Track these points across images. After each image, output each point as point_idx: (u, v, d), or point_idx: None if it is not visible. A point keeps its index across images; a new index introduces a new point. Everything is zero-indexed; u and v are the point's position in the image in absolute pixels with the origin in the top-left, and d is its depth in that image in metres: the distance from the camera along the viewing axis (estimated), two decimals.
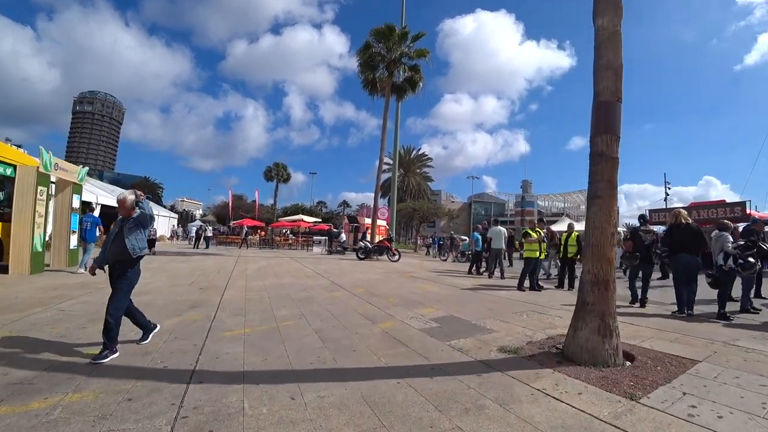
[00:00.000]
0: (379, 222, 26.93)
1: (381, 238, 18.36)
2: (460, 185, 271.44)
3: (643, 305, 6.97)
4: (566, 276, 9.61)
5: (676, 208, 8.57)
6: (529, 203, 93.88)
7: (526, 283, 9.14)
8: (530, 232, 9.69)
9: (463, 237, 26.01)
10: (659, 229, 22.13)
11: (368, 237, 20.39)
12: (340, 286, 8.96)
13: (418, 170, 59.73)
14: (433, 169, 63.58)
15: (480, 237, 13.35)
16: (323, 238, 27.70)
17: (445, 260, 20.65)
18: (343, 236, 26.30)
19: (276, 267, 13.15)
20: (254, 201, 70.35)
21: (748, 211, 16.43)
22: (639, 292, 7.13)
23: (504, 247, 11.93)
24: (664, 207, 20.63)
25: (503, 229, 12.10)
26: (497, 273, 11.70)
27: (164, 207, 65.66)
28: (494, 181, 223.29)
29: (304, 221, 35.37)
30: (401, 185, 54.94)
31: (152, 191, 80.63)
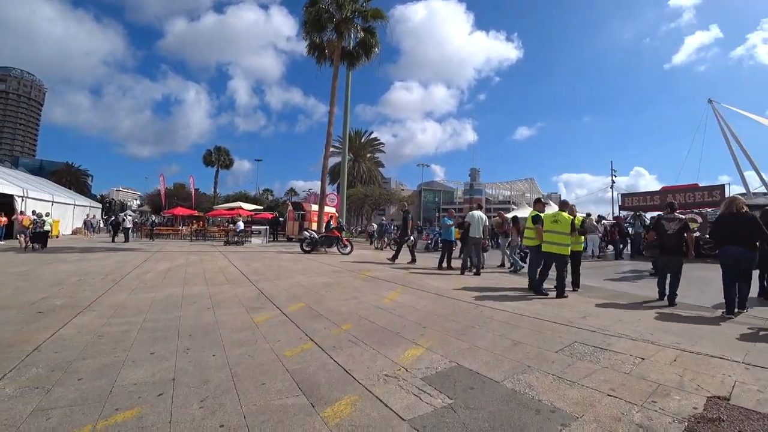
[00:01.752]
0: (328, 209, 24.10)
1: (330, 227, 15.54)
2: (410, 173, 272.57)
3: (671, 303, 5.91)
4: (565, 274, 6.79)
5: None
6: (477, 191, 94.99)
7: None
8: (546, 216, 7.20)
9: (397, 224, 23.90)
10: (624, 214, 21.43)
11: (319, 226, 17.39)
12: (269, 298, 6.08)
13: (369, 155, 56.90)
14: (384, 154, 61.10)
15: (450, 223, 10.95)
16: (264, 228, 24.26)
17: (380, 248, 18.46)
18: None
19: (193, 267, 9.92)
20: (196, 189, 64.42)
21: (727, 195, 15.41)
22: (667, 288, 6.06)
23: (481, 236, 9.63)
24: (638, 191, 19.71)
25: (482, 215, 9.75)
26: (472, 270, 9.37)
27: (93, 197, 58.03)
28: (443, 169, 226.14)
29: (243, 209, 31.44)
30: (351, 171, 51.88)
31: (76, 179, 71.34)
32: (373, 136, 57.54)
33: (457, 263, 10.30)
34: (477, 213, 9.74)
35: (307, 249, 14.82)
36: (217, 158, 56.42)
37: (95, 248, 15.31)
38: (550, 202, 26.87)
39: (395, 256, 12.08)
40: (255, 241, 22.88)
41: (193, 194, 49.68)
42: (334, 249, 14.81)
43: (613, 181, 47.36)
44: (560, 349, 3.65)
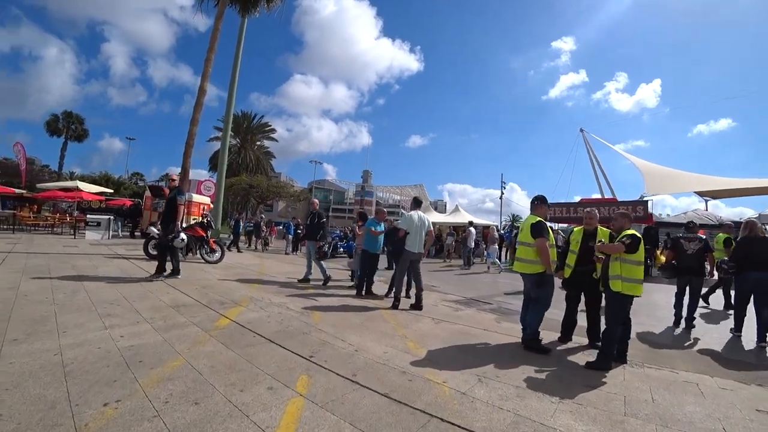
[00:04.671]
0: (201, 199, 18.81)
1: (193, 223, 10.81)
2: (302, 171, 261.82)
3: (689, 327, 5.75)
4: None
5: (747, 219, 6.07)
6: (368, 193, 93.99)
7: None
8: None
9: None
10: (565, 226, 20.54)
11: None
12: None
13: (258, 143, 50.62)
14: (276, 145, 55.16)
15: (381, 229, 7.48)
16: (105, 218, 17.81)
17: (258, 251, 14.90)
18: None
19: None
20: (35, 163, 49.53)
21: (649, 212, 15.00)
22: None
23: (422, 250, 6.39)
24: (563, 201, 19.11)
25: (425, 218, 6.49)
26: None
27: None
28: (335, 169, 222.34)
29: (84, 192, 23.42)
30: (236, 158, 45.32)
31: None
32: (264, 121, 51.37)
33: (380, 287, 6.97)
34: (417, 215, 6.45)
35: (154, 253, 9.93)
36: (66, 126, 44.36)
37: None
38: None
39: (368, 288, 7.34)
40: (90, 235, 16.49)
41: (23, 169, 36.53)
42: (198, 255, 10.21)
43: (503, 193, 49.30)
44: None
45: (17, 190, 21.81)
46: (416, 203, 6.75)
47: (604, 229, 4.56)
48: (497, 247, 15.06)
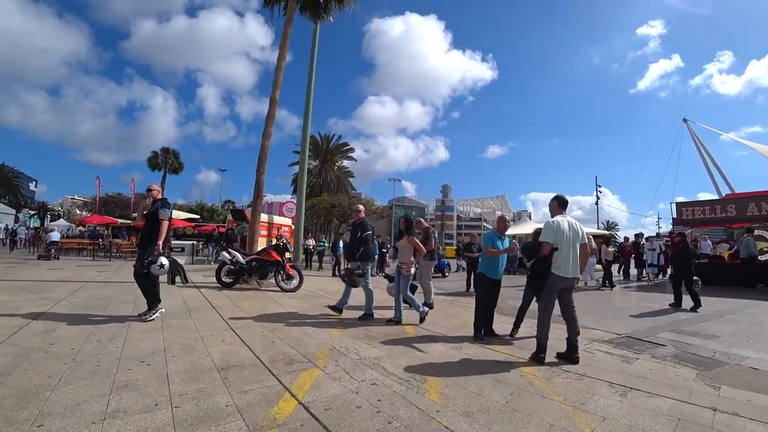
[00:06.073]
0: (282, 220, 18.29)
1: (267, 246, 9.67)
2: (381, 189, 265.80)
3: None
4: None
5: None
6: (449, 208, 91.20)
7: None
8: None
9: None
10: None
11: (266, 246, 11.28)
12: None
13: (338, 164, 51.10)
14: (355, 163, 55.40)
15: (505, 243, 5.40)
16: (189, 243, 17.99)
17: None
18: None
19: None
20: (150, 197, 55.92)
21: None
22: None
23: (578, 274, 4.18)
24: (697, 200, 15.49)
25: (579, 227, 4.28)
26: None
27: (32, 204, 49.47)
28: (414, 186, 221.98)
29: (174, 218, 24.60)
30: (317, 179, 45.95)
31: (6, 182, 61.31)
32: (343, 141, 51.87)
33: (504, 322, 4.91)
34: (567, 221, 4.26)
35: (227, 281, 8.86)
36: (164, 161, 49.36)
37: None
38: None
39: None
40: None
41: (133, 202, 41.64)
42: (272, 280, 8.94)
43: (598, 197, 43.71)
44: None
45: (121, 220, 23.31)
46: (561, 204, 4.50)
47: None
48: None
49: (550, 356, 4.06)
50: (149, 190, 5.70)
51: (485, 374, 3.58)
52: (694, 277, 8.05)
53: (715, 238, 17.49)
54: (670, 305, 8.11)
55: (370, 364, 3.74)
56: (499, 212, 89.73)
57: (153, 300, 5.45)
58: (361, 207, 6.87)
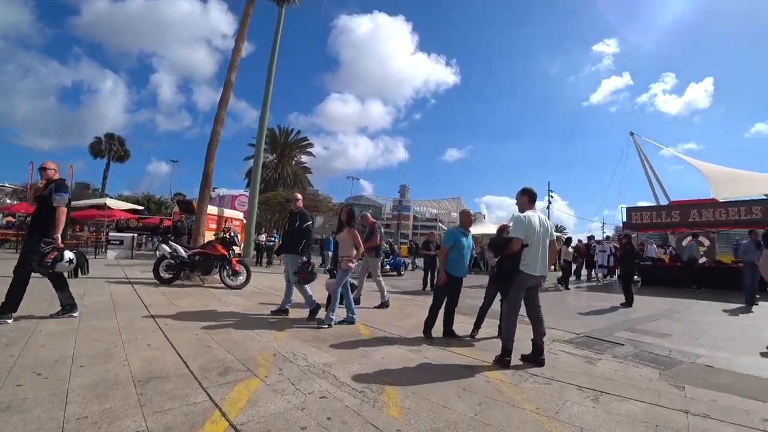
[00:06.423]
0: (232, 214, 17.35)
1: (214, 239, 8.87)
2: (339, 187, 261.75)
3: None
4: None
5: None
6: (405, 208, 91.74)
7: None
8: None
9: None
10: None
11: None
12: None
13: (296, 158, 49.78)
14: (314, 160, 54.22)
15: (468, 240, 5.15)
16: (128, 236, 16.53)
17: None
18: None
19: None
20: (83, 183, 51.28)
21: None
22: None
23: (546, 272, 3.98)
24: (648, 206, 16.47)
25: (548, 223, 4.08)
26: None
27: None
28: (372, 185, 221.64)
29: (115, 209, 22.40)
30: (273, 174, 44.49)
31: None
32: (302, 136, 50.56)
33: (463, 322, 4.69)
34: (538, 217, 4.03)
35: (166, 276, 8.02)
36: (108, 148, 46.09)
37: None
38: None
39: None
40: (110, 254, 15.22)
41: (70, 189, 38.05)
42: (217, 276, 8.21)
43: (550, 202, 45.54)
44: None
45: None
46: (531, 198, 4.21)
47: None
48: None
49: (514, 358, 3.82)
50: (42, 169, 4.62)
51: (449, 381, 3.24)
52: (635, 277, 8.50)
53: (656, 242, 18.62)
54: (621, 304, 8.30)
55: (320, 372, 3.28)
56: (455, 213, 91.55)
57: (66, 301, 4.70)
58: (299, 195, 6.31)
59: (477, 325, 5.07)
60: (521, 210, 4.14)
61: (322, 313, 5.39)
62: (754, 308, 8.03)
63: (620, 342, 5.02)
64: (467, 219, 5.23)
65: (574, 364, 3.95)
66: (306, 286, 5.55)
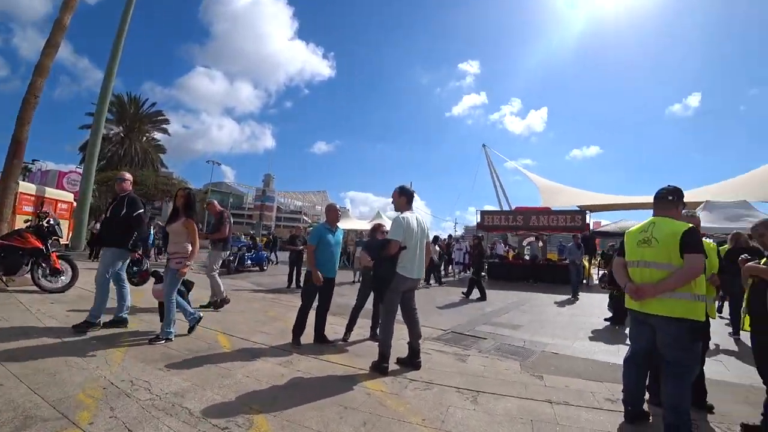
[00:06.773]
0: (61, 195, 14.23)
1: (23, 227, 6.82)
2: (198, 172, 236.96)
3: None
4: None
5: None
6: (269, 198, 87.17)
7: None
8: None
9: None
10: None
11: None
12: None
13: (147, 134, 43.26)
14: (170, 139, 47.90)
15: (338, 236, 4.94)
16: None
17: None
18: None
19: None
20: None
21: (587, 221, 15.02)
22: None
23: (422, 275, 4.00)
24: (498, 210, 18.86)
25: (423, 222, 4.08)
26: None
27: None
28: (234, 171, 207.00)
29: None
30: (118, 150, 37.98)
31: None
32: (157, 109, 44.10)
33: (334, 323, 4.84)
34: (415, 218, 3.98)
35: None
36: None
37: None
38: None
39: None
40: None
41: None
42: (28, 276, 6.35)
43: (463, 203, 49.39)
44: None
45: None
46: (409, 199, 4.10)
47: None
48: None
49: (390, 362, 3.72)
50: None
51: (327, 398, 2.92)
52: (482, 273, 10.39)
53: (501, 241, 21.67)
54: (477, 299, 9.16)
55: (168, 405, 2.59)
56: (319, 207, 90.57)
57: None
58: (127, 175, 4.89)
59: (349, 328, 4.87)
60: (398, 210, 4.03)
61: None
62: (578, 301, 9.67)
63: (482, 336, 5.44)
64: (334, 215, 4.93)
65: (447, 364, 4.03)
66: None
